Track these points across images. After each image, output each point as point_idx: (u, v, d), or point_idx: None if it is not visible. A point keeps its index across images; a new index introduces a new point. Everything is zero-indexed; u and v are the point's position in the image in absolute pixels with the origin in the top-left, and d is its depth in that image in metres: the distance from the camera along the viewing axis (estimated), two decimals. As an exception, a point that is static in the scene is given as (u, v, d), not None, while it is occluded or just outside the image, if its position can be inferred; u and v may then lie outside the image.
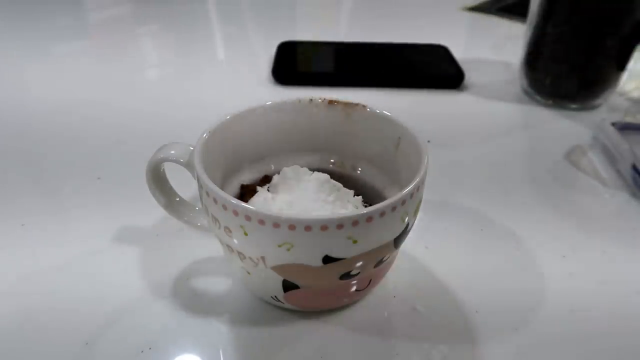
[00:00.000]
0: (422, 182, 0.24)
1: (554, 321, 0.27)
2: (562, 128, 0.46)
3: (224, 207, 0.22)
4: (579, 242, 0.33)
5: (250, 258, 0.24)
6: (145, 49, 0.64)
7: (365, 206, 0.27)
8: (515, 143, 0.44)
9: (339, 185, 0.27)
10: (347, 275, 0.24)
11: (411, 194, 0.23)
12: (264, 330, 0.26)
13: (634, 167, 0.37)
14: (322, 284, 0.25)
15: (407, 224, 0.24)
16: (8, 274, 0.29)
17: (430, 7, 0.77)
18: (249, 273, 0.25)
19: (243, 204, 0.22)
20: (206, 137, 0.26)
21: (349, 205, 0.27)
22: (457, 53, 0.56)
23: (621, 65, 0.46)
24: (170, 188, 0.29)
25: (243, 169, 0.30)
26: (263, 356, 0.25)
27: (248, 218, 0.22)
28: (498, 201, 0.36)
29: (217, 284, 0.29)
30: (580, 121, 0.46)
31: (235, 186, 0.30)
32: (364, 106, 0.29)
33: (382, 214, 0.22)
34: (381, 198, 0.29)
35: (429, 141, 0.27)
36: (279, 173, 0.28)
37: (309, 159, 0.31)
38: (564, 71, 0.47)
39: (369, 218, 0.22)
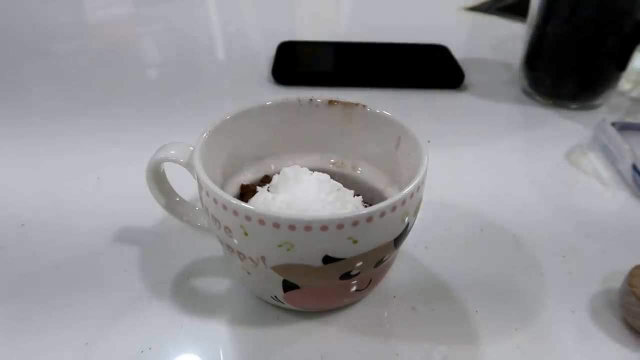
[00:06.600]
0: (422, 182, 0.24)
1: (554, 321, 0.27)
2: (562, 128, 0.46)
3: (224, 207, 0.22)
4: (579, 242, 0.33)
5: (250, 258, 0.24)
6: (145, 49, 0.64)
7: (365, 206, 0.26)
8: (515, 143, 0.44)
9: (339, 185, 0.27)
10: (347, 275, 0.24)
11: (411, 194, 0.23)
12: (264, 330, 0.26)
13: (634, 167, 0.37)
14: (322, 284, 0.25)
15: (407, 224, 0.24)
16: (8, 274, 0.29)
17: (430, 7, 0.76)
18: (249, 273, 0.25)
19: (243, 204, 0.22)
20: (206, 137, 0.26)
21: (349, 205, 0.27)
22: (457, 53, 0.56)
23: (621, 65, 0.46)
24: (170, 188, 0.29)
25: (243, 169, 0.30)
26: (263, 356, 0.25)
27: (248, 218, 0.22)
28: (498, 201, 0.36)
29: (217, 284, 0.29)
30: (580, 121, 0.46)
31: (235, 186, 0.30)
32: (364, 106, 0.29)
33: (382, 214, 0.22)
34: (381, 198, 0.29)
35: (429, 141, 0.27)
36: (279, 173, 0.28)
37: (309, 159, 0.31)
38: (564, 71, 0.47)
39: (369, 218, 0.22)
